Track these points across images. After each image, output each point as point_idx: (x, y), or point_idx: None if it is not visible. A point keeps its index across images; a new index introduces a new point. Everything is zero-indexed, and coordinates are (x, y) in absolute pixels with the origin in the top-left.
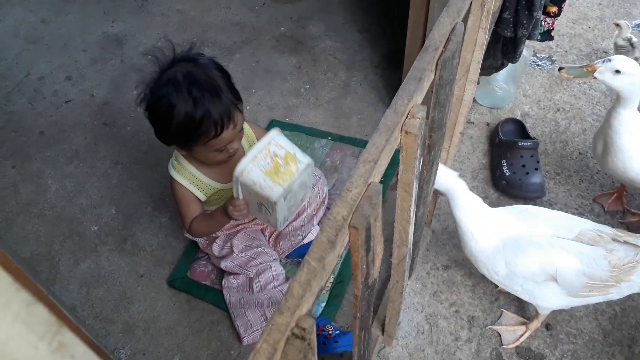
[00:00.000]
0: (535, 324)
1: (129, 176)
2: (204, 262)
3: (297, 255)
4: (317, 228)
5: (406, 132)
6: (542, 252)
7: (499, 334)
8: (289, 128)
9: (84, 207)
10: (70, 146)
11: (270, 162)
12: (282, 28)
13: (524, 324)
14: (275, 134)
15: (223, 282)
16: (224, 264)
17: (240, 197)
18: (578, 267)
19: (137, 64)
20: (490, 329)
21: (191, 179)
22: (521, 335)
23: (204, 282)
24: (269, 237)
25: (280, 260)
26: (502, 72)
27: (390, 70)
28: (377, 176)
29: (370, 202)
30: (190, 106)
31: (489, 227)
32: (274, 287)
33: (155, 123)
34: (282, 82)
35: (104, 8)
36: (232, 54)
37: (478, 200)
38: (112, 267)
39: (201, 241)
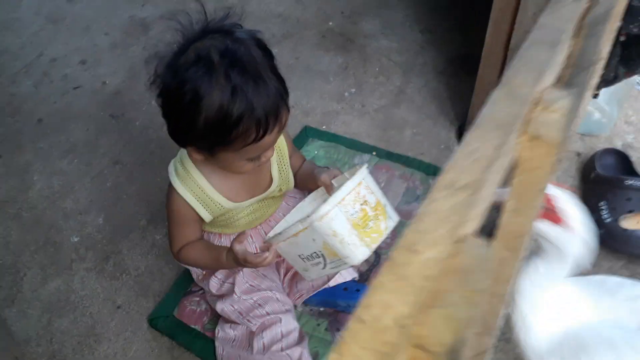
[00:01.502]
0: None
1: (127, 179)
2: (197, 299)
3: (319, 302)
4: (348, 270)
5: (535, 137)
6: (613, 356)
7: None
8: (325, 138)
9: (68, 211)
10: (67, 138)
11: (359, 211)
12: (331, 23)
13: None
14: (365, 172)
15: (216, 330)
16: (220, 307)
17: (284, 242)
18: None
19: (161, 52)
20: None
21: (197, 194)
22: None
23: (193, 326)
24: (284, 276)
25: (296, 308)
26: (603, 91)
27: (458, 78)
28: (475, 222)
29: (467, 281)
30: (227, 97)
31: (549, 308)
32: (282, 349)
33: (172, 116)
34: (323, 84)
35: None
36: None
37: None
38: (85, 291)
39: (197, 271)
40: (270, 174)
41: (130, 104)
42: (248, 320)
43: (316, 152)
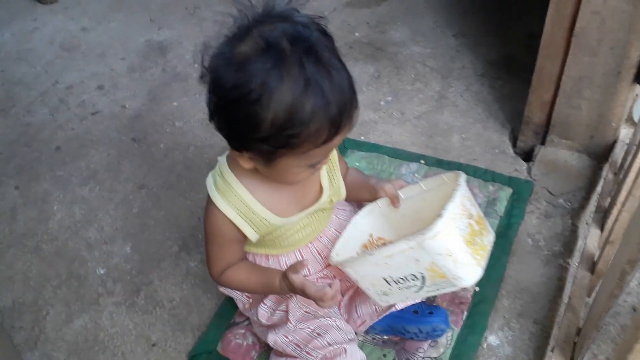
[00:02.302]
0: None
1: (154, 204)
2: (243, 332)
3: (384, 329)
4: None
5: None
6: None
7: None
8: (364, 148)
9: (92, 242)
10: (88, 164)
11: (467, 226)
12: (357, 34)
13: None
14: (464, 182)
15: None
16: (272, 338)
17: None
18: None
19: (181, 73)
20: None
21: (242, 210)
22: None
23: None
24: (341, 300)
25: (357, 335)
26: None
27: (502, 80)
28: None
29: None
30: (300, 91)
31: None
32: None
33: (231, 116)
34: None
35: (151, 15)
36: None
37: None
38: (116, 328)
39: (242, 299)
40: (320, 184)
41: (153, 126)
42: (307, 353)
43: (357, 164)
